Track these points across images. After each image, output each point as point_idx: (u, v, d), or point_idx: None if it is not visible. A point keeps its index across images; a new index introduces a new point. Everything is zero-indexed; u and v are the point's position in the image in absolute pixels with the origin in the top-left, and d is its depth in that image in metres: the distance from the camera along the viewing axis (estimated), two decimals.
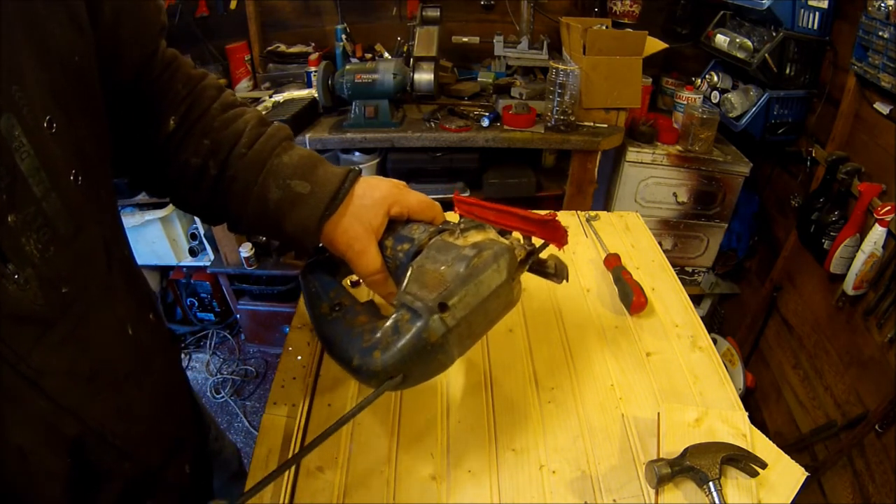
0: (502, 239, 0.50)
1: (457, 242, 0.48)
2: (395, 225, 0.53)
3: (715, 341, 1.41)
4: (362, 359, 0.44)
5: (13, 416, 0.32)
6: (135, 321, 0.44)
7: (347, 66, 1.69)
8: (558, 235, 0.50)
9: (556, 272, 0.54)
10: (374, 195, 0.52)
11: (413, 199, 0.53)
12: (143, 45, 0.49)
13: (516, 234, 0.53)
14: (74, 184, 0.35)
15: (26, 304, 0.31)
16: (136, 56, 0.48)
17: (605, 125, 1.79)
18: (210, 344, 2.33)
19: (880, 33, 1.28)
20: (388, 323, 0.45)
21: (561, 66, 1.66)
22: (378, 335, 0.45)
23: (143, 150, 0.51)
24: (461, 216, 0.54)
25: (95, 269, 0.39)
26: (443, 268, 0.45)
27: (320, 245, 0.53)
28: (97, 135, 0.41)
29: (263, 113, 0.57)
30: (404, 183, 0.57)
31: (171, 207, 2.00)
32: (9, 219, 0.30)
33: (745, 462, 0.54)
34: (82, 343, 0.36)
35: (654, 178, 1.93)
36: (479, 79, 2.01)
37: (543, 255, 0.54)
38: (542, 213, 0.50)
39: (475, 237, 0.49)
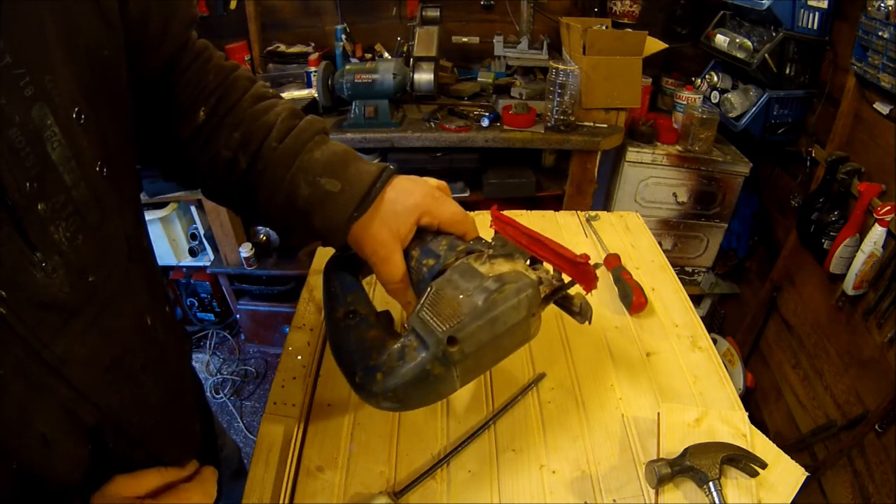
0: (530, 272, 0.47)
1: (481, 269, 0.46)
2: (424, 234, 0.51)
3: (715, 341, 1.41)
4: (364, 377, 0.45)
5: (37, 404, 0.32)
6: (152, 312, 0.45)
7: (347, 67, 1.69)
8: (587, 279, 0.48)
9: (581, 311, 0.52)
10: (406, 202, 0.50)
11: (446, 211, 0.51)
12: (173, 38, 0.48)
13: (547, 266, 0.50)
14: (100, 175, 0.36)
15: (52, 291, 0.32)
16: (166, 49, 0.48)
17: (605, 125, 1.79)
18: (210, 344, 2.33)
19: (880, 33, 1.28)
20: (395, 346, 0.45)
21: (561, 66, 1.66)
22: (384, 357, 0.45)
23: (173, 141, 0.51)
24: (495, 233, 0.53)
25: (118, 258, 0.39)
26: (461, 296, 0.43)
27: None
28: (122, 128, 0.41)
29: None
30: (445, 185, 0.55)
31: (171, 207, 2.00)
32: (38, 207, 0.30)
33: (745, 462, 0.54)
34: (104, 332, 0.37)
35: (654, 178, 1.93)
36: (479, 79, 2.01)
37: (571, 291, 0.52)
38: (577, 254, 0.47)
39: (502, 267, 0.46)
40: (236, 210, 0.57)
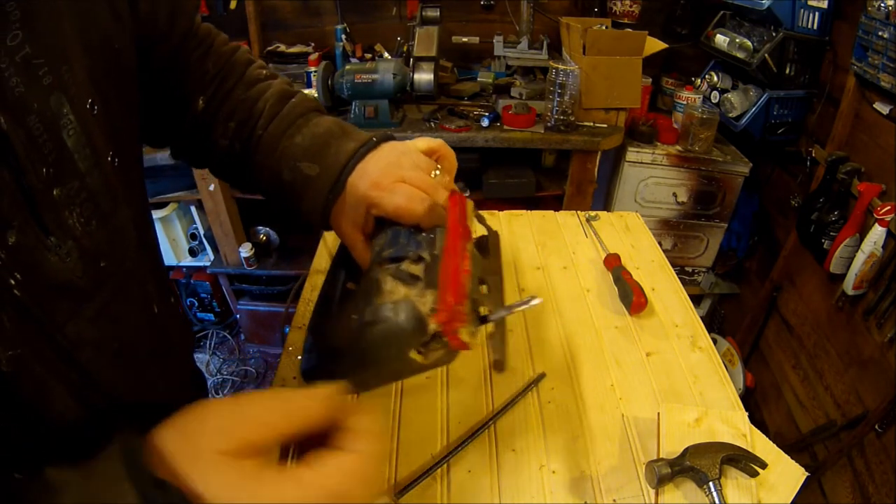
0: (424, 302, 0.40)
1: (385, 287, 0.42)
2: (382, 224, 0.49)
3: (715, 341, 1.41)
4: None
5: (53, 385, 0.33)
6: (158, 301, 0.46)
7: (347, 67, 1.69)
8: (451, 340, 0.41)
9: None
10: (358, 191, 0.48)
11: (390, 203, 0.46)
12: (179, 28, 0.50)
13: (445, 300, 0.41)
14: (111, 165, 0.37)
15: (66, 275, 0.32)
16: (173, 39, 0.50)
17: (605, 125, 1.79)
18: (210, 344, 2.33)
19: (880, 33, 1.28)
20: (307, 343, 0.49)
21: (561, 66, 1.66)
22: (305, 347, 0.49)
23: (179, 125, 0.53)
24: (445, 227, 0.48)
25: (128, 246, 0.40)
26: (353, 316, 0.43)
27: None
28: (130, 121, 0.42)
29: None
30: (437, 147, 0.52)
31: (171, 207, 2.00)
32: (54, 192, 0.31)
33: (745, 462, 0.54)
34: (114, 317, 0.37)
35: (653, 178, 1.93)
36: (479, 79, 2.01)
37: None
38: (450, 307, 0.39)
39: (399, 291, 0.42)
40: (248, 191, 0.58)
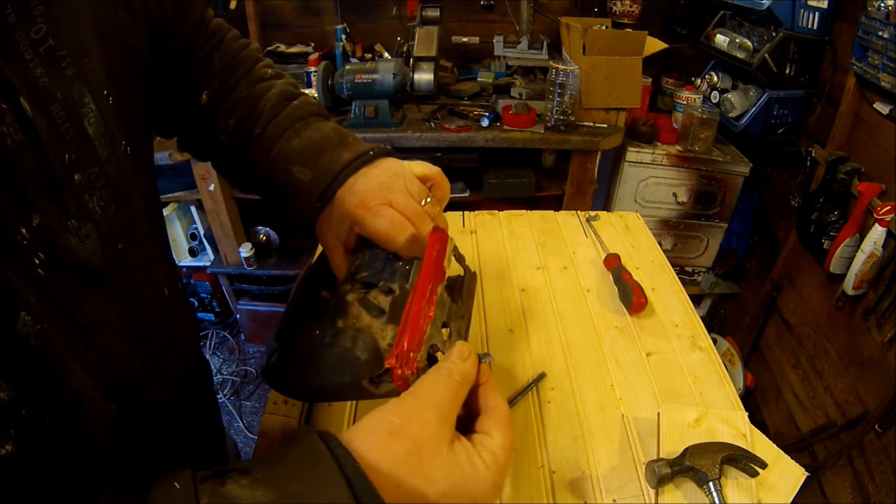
0: (384, 337, 0.41)
1: (351, 311, 0.43)
2: (363, 243, 0.49)
3: (715, 341, 1.41)
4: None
5: (72, 363, 0.33)
6: (169, 286, 0.47)
7: (347, 67, 1.69)
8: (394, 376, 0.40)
9: None
10: (345, 206, 0.48)
11: (371, 226, 0.46)
12: (189, 21, 0.51)
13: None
14: (124, 153, 0.38)
15: (86, 256, 0.34)
16: (183, 32, 0.50)
17: (605, 125, 1.79)
18: (210, 344, 2.33)
19: (880, 33, 1.28)
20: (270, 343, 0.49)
21: (561, 66, 1.66)
22: (268, 348, 0.49)
23: (183, 118, 0.54)
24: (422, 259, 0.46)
25: (141, 231, 0.41)
26: (317, 332, 0.44)
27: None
28: (142, 112, 0.44)
29: None
30: (433, 175, 0.52)
31: (171, 207, 2.00)
32: (75, 177, 0.33)
33: (745, 462, 0.54)
34: (129, 299, 0.39)
35: (653, 178, 1.93)
36: (479, 79, 2.01)
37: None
38: (402, 350, 0.38)
39: (363, 319, 0.43)
40: (246, 188, 0.58)
